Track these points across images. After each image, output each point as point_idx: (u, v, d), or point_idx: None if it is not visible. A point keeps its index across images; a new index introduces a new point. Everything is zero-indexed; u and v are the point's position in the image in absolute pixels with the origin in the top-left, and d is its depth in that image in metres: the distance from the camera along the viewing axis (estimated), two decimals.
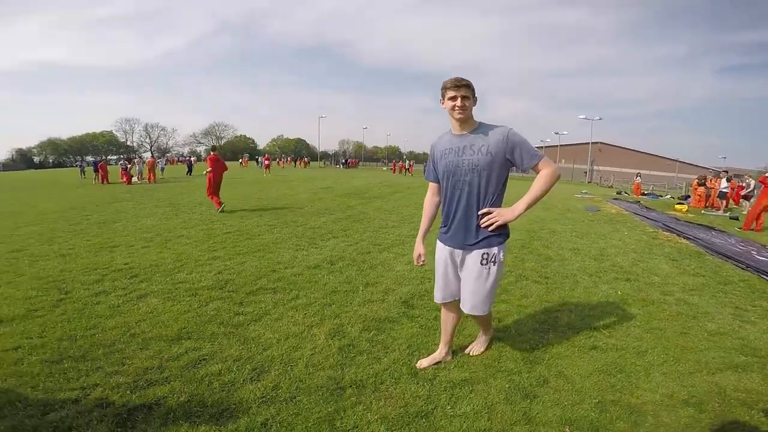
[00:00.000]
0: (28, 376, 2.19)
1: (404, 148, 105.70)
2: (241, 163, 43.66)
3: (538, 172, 2.02)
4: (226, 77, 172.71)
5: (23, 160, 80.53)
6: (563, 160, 46.58)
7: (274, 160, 43.67)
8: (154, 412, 1.94)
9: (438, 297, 2.31)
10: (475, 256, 2.08)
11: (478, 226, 2.05)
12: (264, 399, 2.07)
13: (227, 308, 3.20)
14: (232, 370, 2.31)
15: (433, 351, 2.50)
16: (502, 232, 2.07)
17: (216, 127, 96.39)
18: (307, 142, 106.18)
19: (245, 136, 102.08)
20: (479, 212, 2.04)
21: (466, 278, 2.14)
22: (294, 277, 3.97)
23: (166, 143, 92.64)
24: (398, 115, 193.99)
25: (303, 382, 2.22)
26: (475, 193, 2.04)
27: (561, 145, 48.80)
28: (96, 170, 19.04)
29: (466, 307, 2.19)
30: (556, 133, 48.31)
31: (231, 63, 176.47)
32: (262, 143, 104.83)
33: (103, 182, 17.59)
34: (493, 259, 2.06)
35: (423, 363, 2.41)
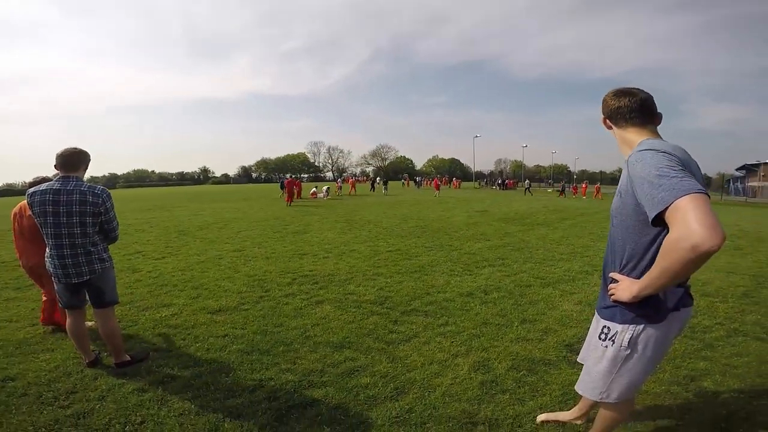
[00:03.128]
0: (226, 363, 2.78)
1: (574, 167, 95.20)
2: (403, 183, 47.15)
3: None
4: (384, 100, 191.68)
5: (245, 174, 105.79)
6: None
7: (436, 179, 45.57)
8: (306, 413, 2.22)
9: (579, 356, 1.90)
10: (599, 325, 1.55)
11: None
12: (397, 419, 2.15)
13: (384, 324, 3.43)
14: (378, 386, 2.46)
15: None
16: (636, 307, 1.39)
17: (381, 149, 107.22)
18: (461, 162, 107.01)
19: (405, 156, 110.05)
20: (609, 274, 1.51)
21: None
22: (446, 303, 3.99)
23: (343, 164, 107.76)
24: (563, 130, 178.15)
25: (436, 410, 2.22)
26: (610, 248, 1.53)
27: None
28: (283, 187, 22.77)
29: (578, 382, 1.71)
30: None
31: (388, 87, 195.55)
32: (418, 164, 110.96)
33: (298, 197, 21.25)
34: (612, 338, 1.47)
35: (542, 417, 2.12)
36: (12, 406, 2.27)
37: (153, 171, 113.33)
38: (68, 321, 2.68)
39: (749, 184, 44.59)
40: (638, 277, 1.37)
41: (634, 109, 1.45)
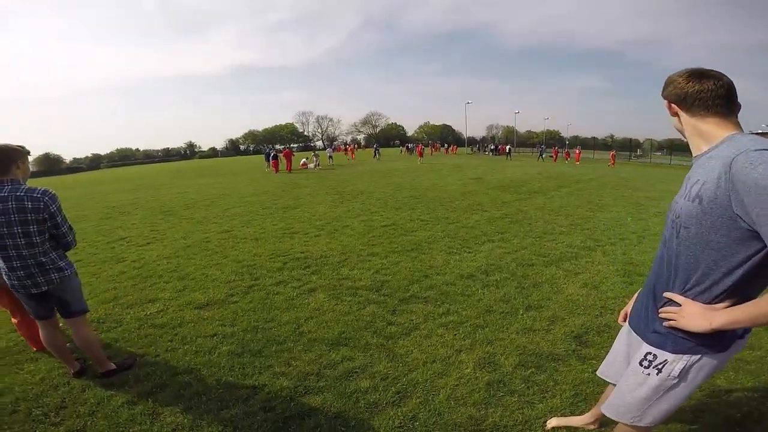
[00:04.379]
0: (216, 367, 2.58)
1: (566, 133, 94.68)
2: (401, 151, 47.35)
3: None
4: (374, 69, 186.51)
5: (233, 147, 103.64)
6: None
7: (426, 146, 45.35)
8: (305, 423, 2.05)
9: (599, 369, 1.72)
10: (641, 350, 1.33)
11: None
12: (401, 428, 2.01)
13: (381, 315, 3.24)
14: (378, 390, 2.30)
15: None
16: (697, 336, 1.16)
17: (372, 117, 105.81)
18: (453, 128, 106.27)
19: (396, 123, 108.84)
20: (664, 294, 1.26)
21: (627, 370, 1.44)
22: (446, 287, 3.80)
23: (333, 132, 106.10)
24: (556, 97, 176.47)
25: (441, 417, 2.07)
26: (667, 262, 1.25)
27: None
28: (268, 160, 21.33)
29: (606, 402, 1.50)
30: None
31: (378, 56, 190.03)
32: (410, 130, 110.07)
33: (287, 170, 20.62)
34: (658, 366, 1.25)
35: (553, 422, 1.98)
36: (4, 424, 2.13)
37: (137, 149, 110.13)
38: (41, 333, 2.45)
39: None
40: (708, 302, 1.12)
41: (720, 95, 1.14)
